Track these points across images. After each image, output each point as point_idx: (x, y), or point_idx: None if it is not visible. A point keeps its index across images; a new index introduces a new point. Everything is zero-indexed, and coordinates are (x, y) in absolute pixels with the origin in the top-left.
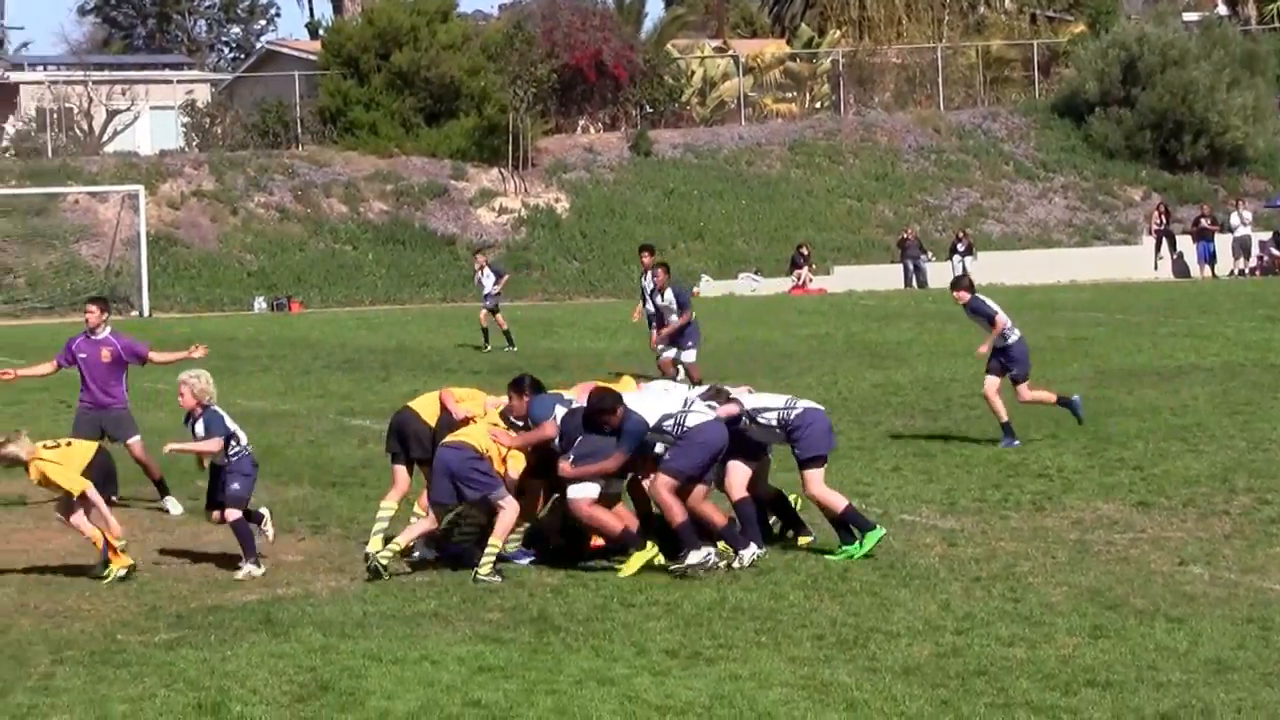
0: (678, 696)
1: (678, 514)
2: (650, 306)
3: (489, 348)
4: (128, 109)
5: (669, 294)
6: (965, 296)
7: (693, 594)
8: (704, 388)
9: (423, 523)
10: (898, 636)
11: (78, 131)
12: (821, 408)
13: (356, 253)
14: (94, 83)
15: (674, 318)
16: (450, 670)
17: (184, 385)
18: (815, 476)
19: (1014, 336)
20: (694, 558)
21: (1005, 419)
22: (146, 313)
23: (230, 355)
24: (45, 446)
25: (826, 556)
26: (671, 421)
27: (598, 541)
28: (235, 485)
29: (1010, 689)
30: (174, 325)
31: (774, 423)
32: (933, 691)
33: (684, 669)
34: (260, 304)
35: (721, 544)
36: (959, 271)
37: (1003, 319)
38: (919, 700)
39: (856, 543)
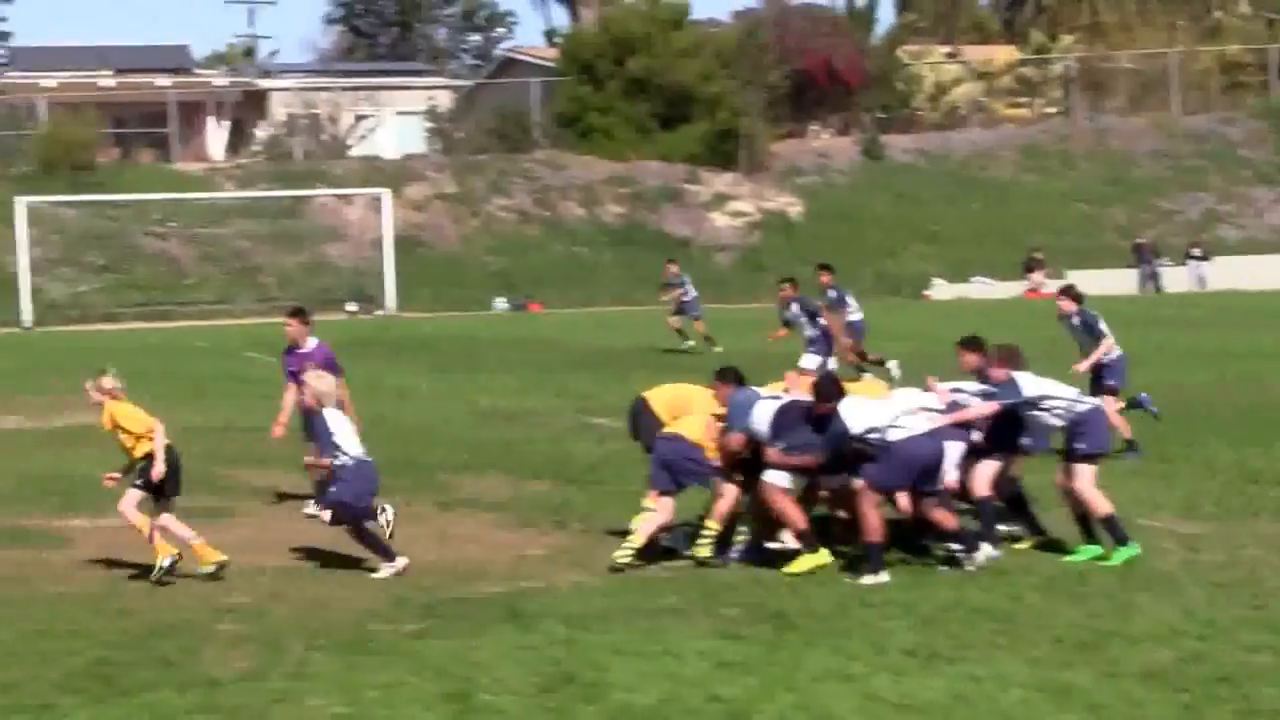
0: (917, 696)
1: (874, 531)
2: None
3: (719, 348)
4: (373, 114)
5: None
6: (1071, 307)
7: (931, 594)
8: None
9: (656, 515)
10: (1138, 641)
11: (325, 136)
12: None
13: (593, 254)
14: (341, 89)
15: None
16: (691, 665)
17: (306, 386)
18: (1090, 473)
19: (1116, 354)
20: (869, 580)
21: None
22: (393, 312)
23: (473, 354)
24: None
25: (1064, 558)
26: (876, 435)
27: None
28: (333, 489)
29: (1255, 696)
30: (419, 324)
31: (1060, 413)
32: (1175, 696)
33: (922, 668)
34: (500, 304)
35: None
36: (1198, 276)
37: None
38: (1161, 705)
39: (1101, 548)
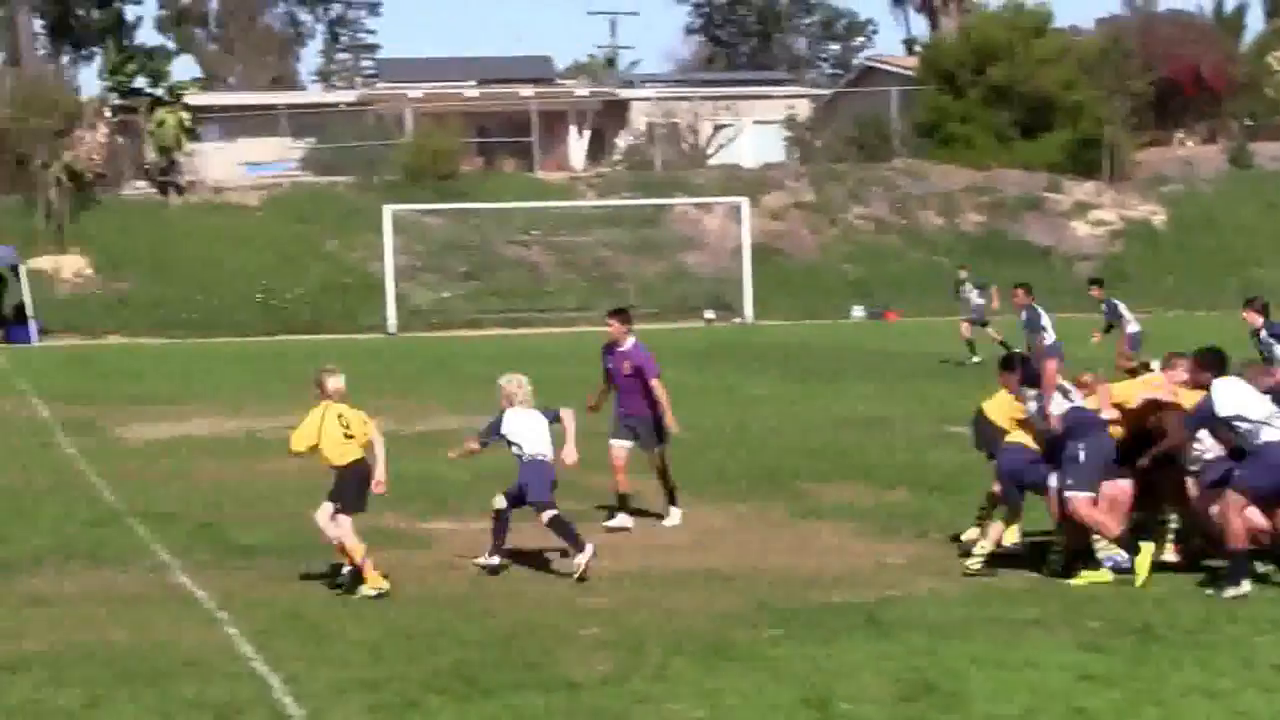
0: None
1: (1238, 537)
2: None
3: (977, 358)
4: (732, 124)
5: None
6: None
7: None
8: None
9: (999, 523)
10: None
11: (684, 145)
12: None
13: (952, 263)
14: (700, 99)
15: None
16: (1053, 677)
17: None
18: None
19: None
20: (1232, 591)
21: None
22: (751, 320)
23: (830, 362)
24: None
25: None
26: (1247, 427)
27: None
28: (524, 484)
29: None
30: (776, 332)
31: None
32: None
33: None
34: (858, 312)
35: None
36: None
37: None
38: None
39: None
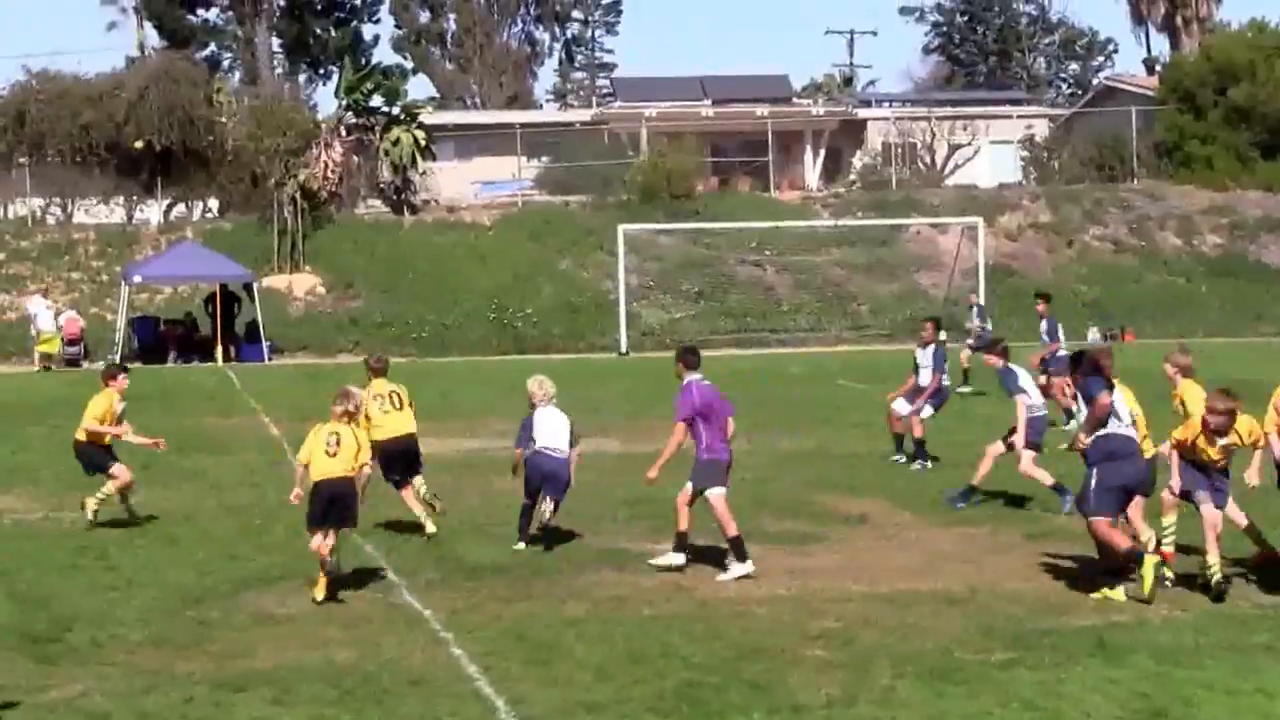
0: None
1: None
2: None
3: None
4: (968, 143)
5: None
6: (996, 362)
7: None
8: None
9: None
10: None
11: (920, 165)
12: None
13: (1190, 285)
14: (936, 118)
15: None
16: None
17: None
18: None
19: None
20: None
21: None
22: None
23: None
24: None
25: None
26: None
27: None
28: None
29: None
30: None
31: None
32: None
33: None
34: (1094, 335)
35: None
36: None
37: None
38: None
39: None
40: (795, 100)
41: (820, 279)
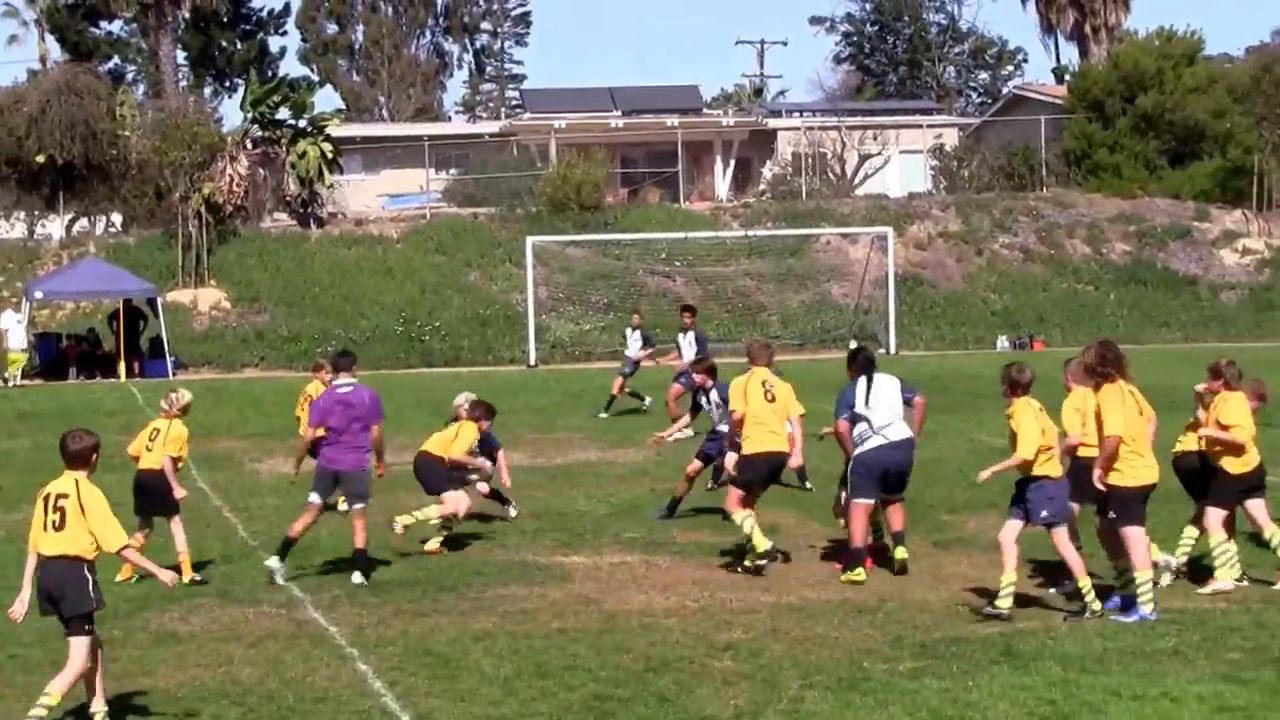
0: None
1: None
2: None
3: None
4: (878, 153)
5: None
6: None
7: None
8: None
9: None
10: None
11: (830, 175)
12: None
13: (1098, 293)
14: (847, 128)
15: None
16: (1190, 709)
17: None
18: None
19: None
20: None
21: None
22: (893, 350)
23: (975, 392)
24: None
25: None
26: None
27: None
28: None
29: None
30: (919, 362)
31: None
32: None
33: None
34: (1003, 343)
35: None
36: None
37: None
38: None
39: None
40: (705, 111)
41: (730, 289)
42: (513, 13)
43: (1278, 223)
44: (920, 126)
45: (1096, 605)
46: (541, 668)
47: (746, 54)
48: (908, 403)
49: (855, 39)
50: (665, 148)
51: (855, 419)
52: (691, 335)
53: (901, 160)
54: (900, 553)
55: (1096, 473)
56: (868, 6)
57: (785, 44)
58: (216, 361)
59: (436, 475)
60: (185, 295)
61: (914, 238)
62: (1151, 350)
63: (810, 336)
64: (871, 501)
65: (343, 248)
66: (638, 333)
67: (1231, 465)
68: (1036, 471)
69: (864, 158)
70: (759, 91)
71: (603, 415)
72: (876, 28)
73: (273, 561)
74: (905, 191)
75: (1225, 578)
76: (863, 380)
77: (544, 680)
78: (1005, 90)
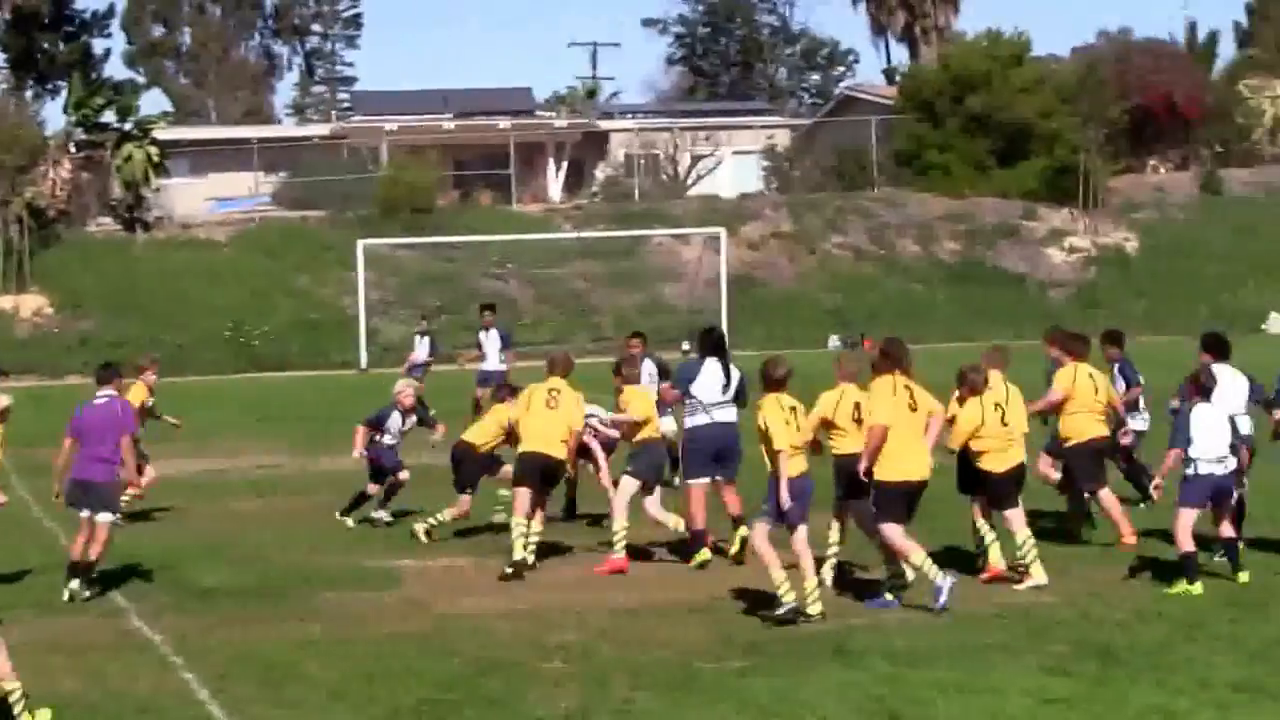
0: None
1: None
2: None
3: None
4: (711, 154)
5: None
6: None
7: (1257, 629)
8: None
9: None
10: None
11: (663, 176)
12: None
13: (928, 291)
14: (679, 129)
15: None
16: (1015, 702)
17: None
18: None
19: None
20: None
21: None
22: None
23: (806, 391)
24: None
25: None
26: None
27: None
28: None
29: None
30: (752, 361)
31: None
32: None
33: (1248, 704)
34: (834, 342)
35: None
36: None
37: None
38: None
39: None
40: (538, 113)
41: (563, 291)
42: (343, 15)
43: (1103, 221)
44: (752, 127)
45: (797, 604)
46: (370, 673)
47: (579, 56)
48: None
49: (688, 40)
50: (497, 150)
51: (687, 394)
52: (495, 333)
53: (734, 161)
54: (743, 530)
55: (862, 464)
56: (700, 8)
57: (618, 46)
58: (39, 369)
59: (472, 467)
60: (7, 301)
61: (746, 238)
62: (981, 348)
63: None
64: (706, 482)
65: (170, 252)
66: (427, 339)
67: (989, 463)
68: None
69: (696, 159)
70: (592, 93)
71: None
72: (709, 29)
73: (74, 584)
74: (738, 192)
75: (1039, 574)
76: (710, 360)
77: (372, 685)
78: (837, 91)
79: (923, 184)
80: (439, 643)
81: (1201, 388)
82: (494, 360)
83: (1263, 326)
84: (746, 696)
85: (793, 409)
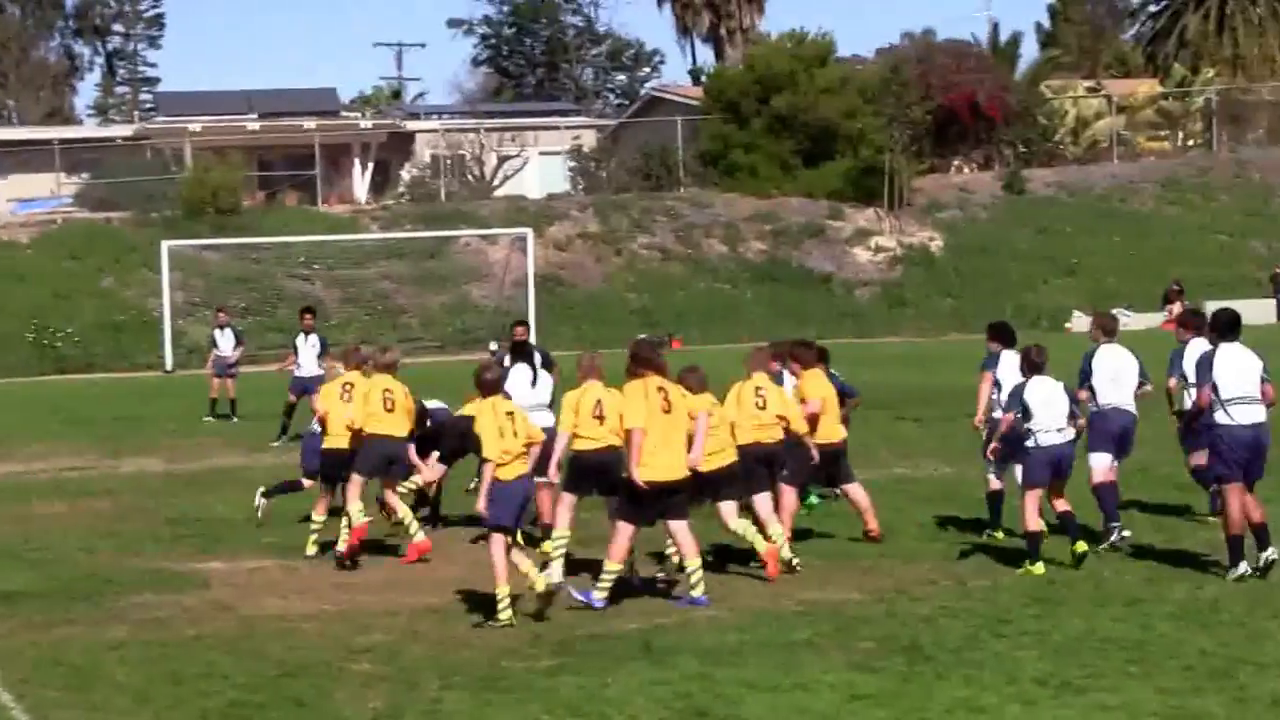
0: None
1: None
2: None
3: (218, 417)
4: (517, 155)
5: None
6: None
7: (1062, 624)
8: None
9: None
10: (1268, 668)
11: (469, 177)
12: None
13: (735, 291)
14: (485, 130)
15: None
16: (823, 698)
17: None
18: None
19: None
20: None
21: None
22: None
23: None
24: None
25: None
26: None
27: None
28: None
29: None
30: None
31: None
32: None
33: (1053, 698)
34: (493, 345)
35: None
36: None
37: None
38: None
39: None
40: (343, 113)
41: (369, 292)
42: (146, 14)
43: (909, 221)
44: (559, 128)
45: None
46: (176, 676)
47: (384, 57)
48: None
49: (493, 41)
50: (303, 151)
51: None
52: (315, 338)
53: (540, 162)
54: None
55: (630, 467)
56: (505, 9)
57: (424, 46)
58: None
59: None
60: None
61: (553, 238)
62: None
63: (451, 339)
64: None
65: None
66: (229, 330)
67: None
68: (500, 475)
69: (503, 159)
70: (397, 94)
71: (235, 420)
72: (514, 30)
73: None
74: (544, 193)
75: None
76: (520, 365)
77: (179, 688)
78: (643, 92)
79: (729, 184)
80: (246, 645)
81: (1032, 363)
82: (311, 366)
83: (1067, 325)
84: (555, 695)
85: (509, 414)
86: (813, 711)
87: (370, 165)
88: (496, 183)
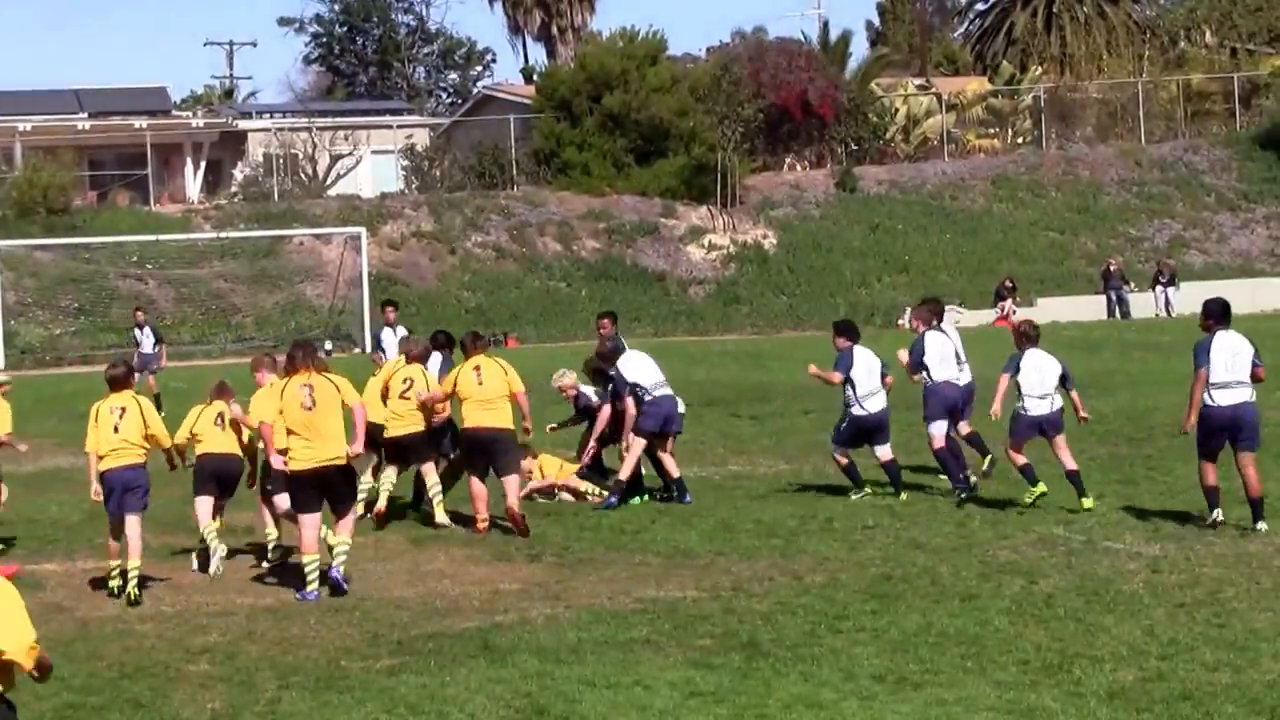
0: None
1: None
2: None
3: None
4: (350, 154)
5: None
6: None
7: (899, 620)
8: None
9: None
10: (1102, 661)
11: (302, 176)
12: None
13: (570, 289)
14: (318, 129)
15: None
16: (663, 695)
17: None
18: None
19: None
20: None
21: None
22: (369, 349)
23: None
24: None
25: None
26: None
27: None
28: None
29: (1216, 714)
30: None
31: None
32: (1138, 716)
33: (891, 694)
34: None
35: None
36: (1163, 302)
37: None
38: None
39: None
40: (175, 112)
41: (204, 292)
42: None
43: (742, 219)
44: (391, 127)
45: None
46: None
47: (216, 55)
48: None
49: (325, 40)
50: (134, 150)
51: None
52: (149, 329)
53: (373, 160)
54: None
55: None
56: (336, 7)
57: (255, 45)
58: None
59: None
60: None
61: (387, 237)
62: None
63: (285, 338)
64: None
65: None
66: (148, 329)
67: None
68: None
69: (336, 158)
70: (229, 93)
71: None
72: (346, 29)
73: None
74: (378, 191)
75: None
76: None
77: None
78: (475, 90)
79: (563, 182)
80: (83, 647)
81: (1027, 336)
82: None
83: (900, 322)
84: (394, 695)
85: (123, 410)
86: (652, 709)
87: (202, 164)
88: (329, 182)
